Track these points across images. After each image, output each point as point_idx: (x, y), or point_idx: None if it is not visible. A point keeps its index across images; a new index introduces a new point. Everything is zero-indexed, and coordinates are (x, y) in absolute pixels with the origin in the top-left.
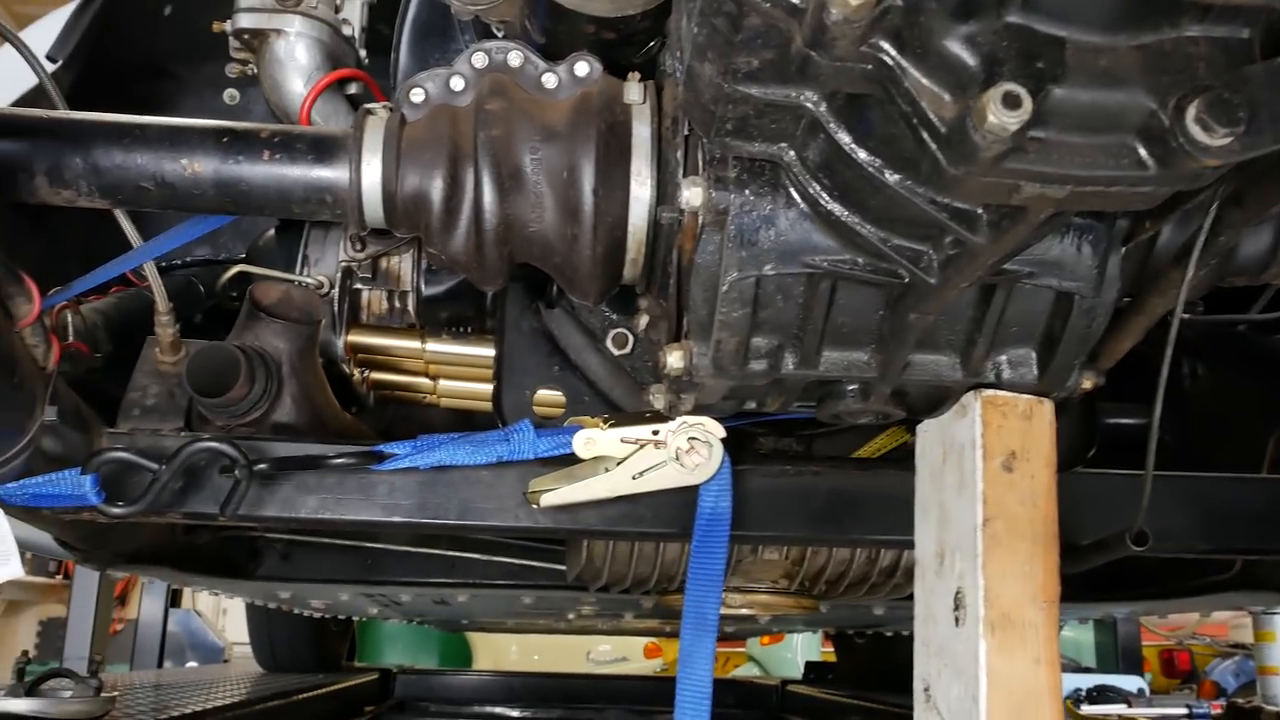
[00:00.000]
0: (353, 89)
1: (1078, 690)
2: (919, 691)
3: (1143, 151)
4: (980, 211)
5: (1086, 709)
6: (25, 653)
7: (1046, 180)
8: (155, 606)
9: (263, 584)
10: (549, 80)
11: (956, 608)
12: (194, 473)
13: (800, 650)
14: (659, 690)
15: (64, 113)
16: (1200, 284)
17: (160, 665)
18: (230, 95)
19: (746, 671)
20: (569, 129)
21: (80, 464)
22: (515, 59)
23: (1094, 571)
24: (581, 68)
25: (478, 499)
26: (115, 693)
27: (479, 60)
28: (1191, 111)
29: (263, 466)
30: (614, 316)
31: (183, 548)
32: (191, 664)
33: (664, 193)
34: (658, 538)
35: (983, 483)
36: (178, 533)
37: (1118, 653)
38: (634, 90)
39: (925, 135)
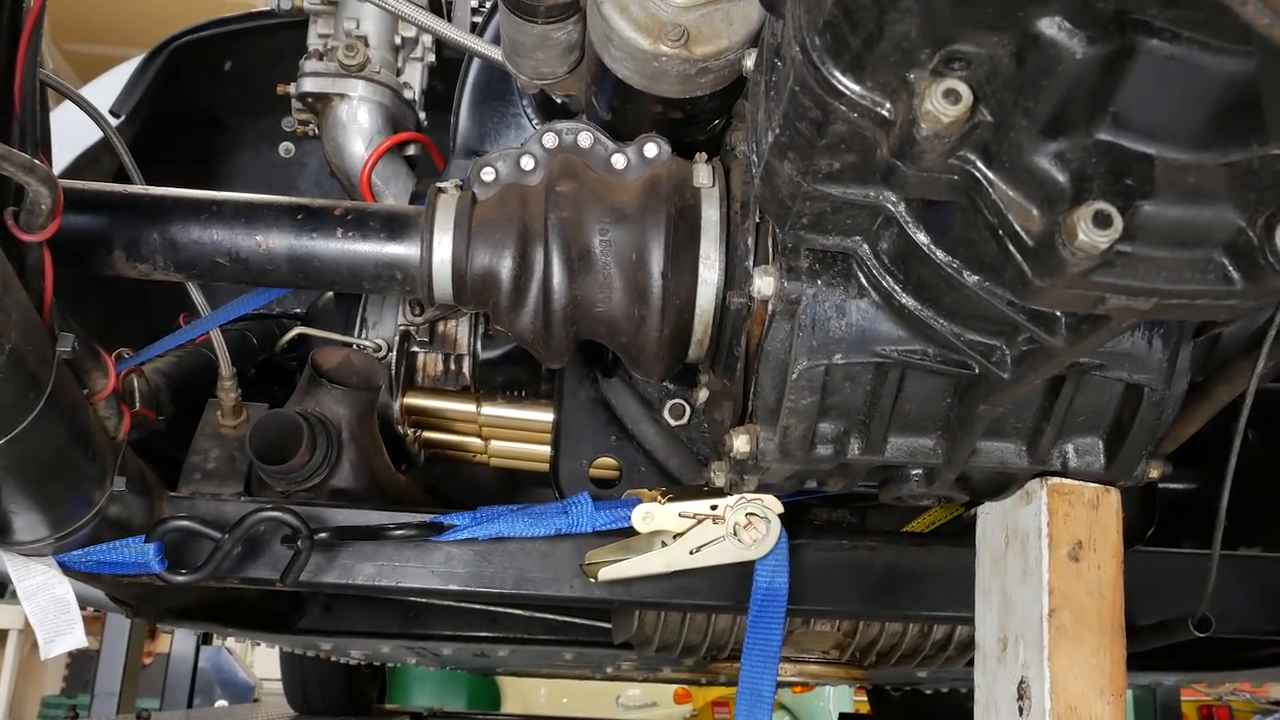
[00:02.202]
0: (411, 150)
1: None
2: None
3: (1230, 267)
4: (1059, 315)
5: None
6: (74, 709)
7: (1132, 293)
8: (187, 644)
9: (305, 637)
10: (618, 161)
11: (1020, 697)
12: (255, 540)
13: (833, 700)
14: None
15: (143, 188)
16: (1268, 372)
17: (190, 704)
18: (285, 149)
19: None
20: (638, 211)
21: (143, 530)
22: (585, 140)
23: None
24: (651, 149)
25: (533, 569)
26: None
27: (550, 141)
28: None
29: (323, 535)
30: (671, 387)
31: (230, 602)
32: (221, 702)
33: (732, 276)
34: (712, 609)
35: (1049, 572)
36: (226, 590)
37: (1156, 709)
38: (703, 173)
39: (1011, 246)
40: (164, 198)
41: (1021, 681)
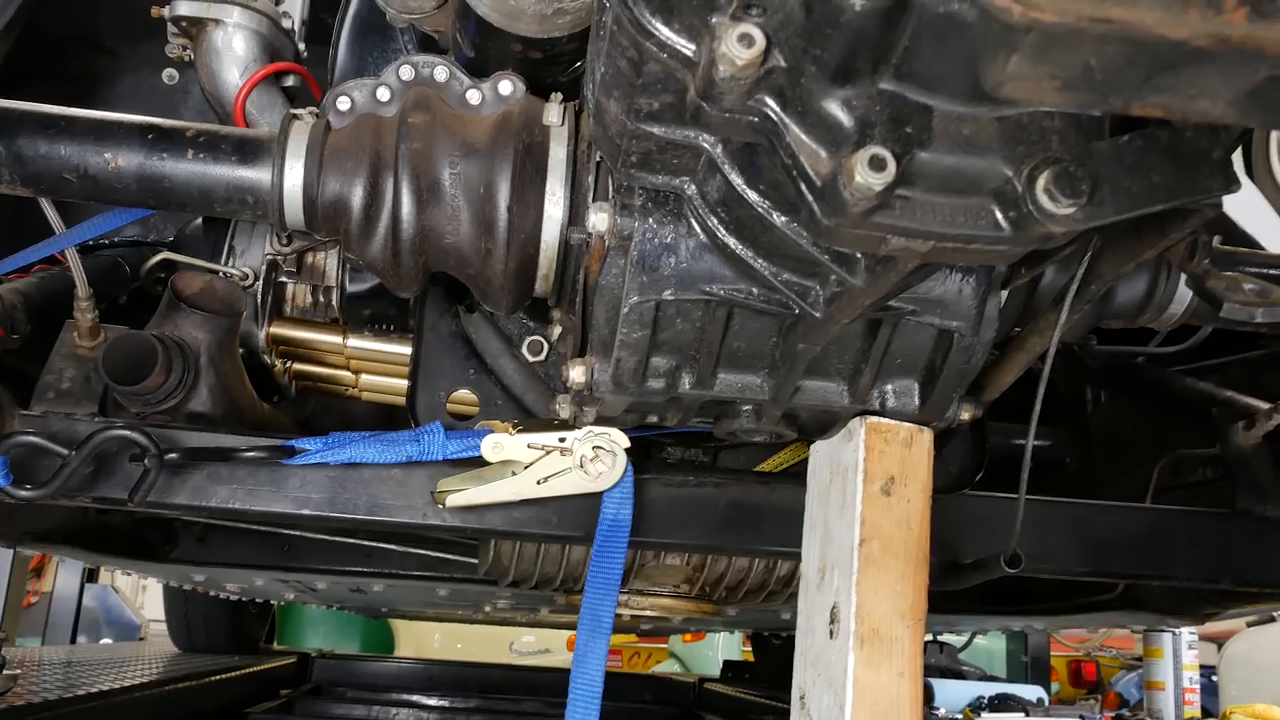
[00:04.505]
0: (290, 81)
1: (980, 699)
2: (796, 699)
3: (998, 214)
4: (859, 256)
5: (986, 717)
6: None
7: (910, 235)
8: (71, 581)
9: (177, 567)
10: (473, 97)
11: (832, 621)
12: (105, 459)
13: (721, 649)
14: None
15: None
16: (1079, 325)
17: (74, 641)
18: (169, 75)
19: (668, 668)
20: (488, 146)
21: None
22: (441, 74)
23: (992, 588)
24: (505, 86)
25: (387, 496)
26: (19, 670)
27: (406, 73)
28: (1041, 181)
29: (173, 456)
30: (531, 324)
31: (96, 528)
32: (106, 641)
33: (577, 213)
34: (562, 540)
35: (862, 505)
36: (90, 513)
37: (1027, 663)
38: (553, 112)
39: (803, 187)
40: (11, 110)
41: (834, 606)
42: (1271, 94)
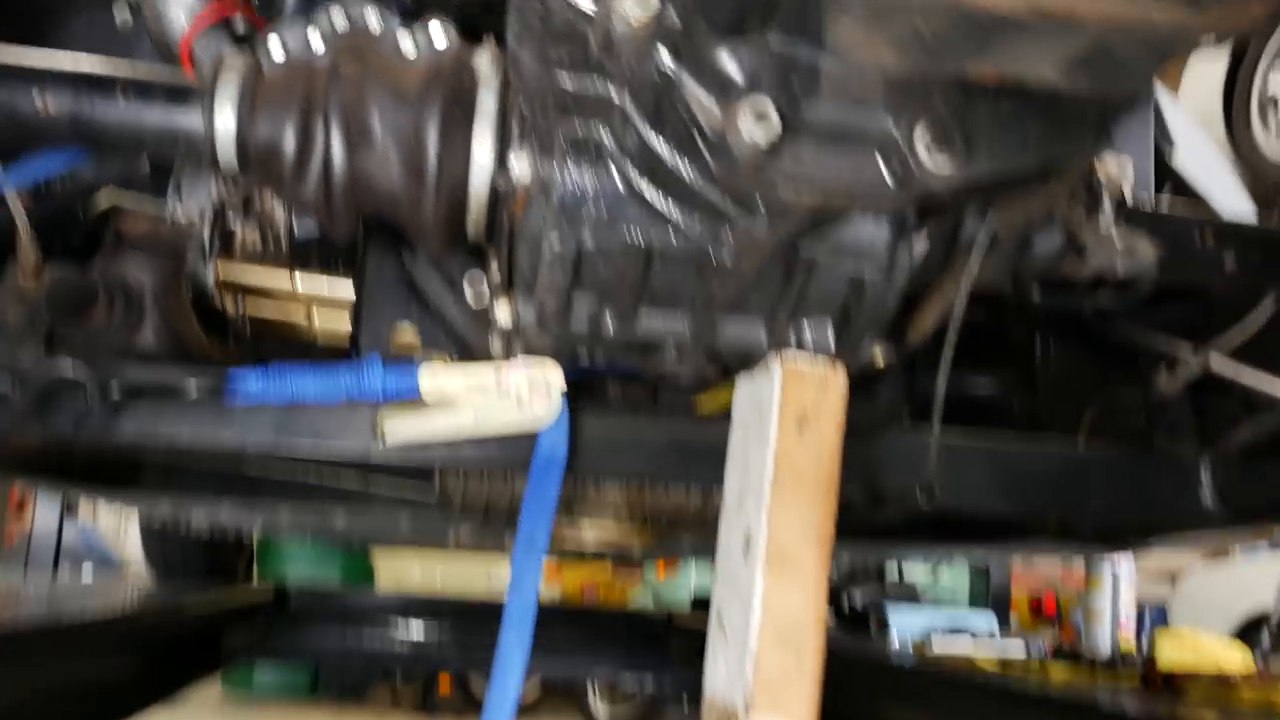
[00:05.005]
0: (241, 29)
1: (933, 627)
2: (714, 617)
3: (883, 168)
4: (760, 204)
5: (936, 642)
6: None
7: (799, 185)
8: (49, 517)
9: (142, 497)
10: (405, 44)
11: (746, 545)
12: (50, 395)
13: (693, 585)
14: (548, 615)
15: None
16: (998, 274)
17: (55, 575)
18: (123, 21)
19: (642, 600)
20: (418, 93)
21: None
22: (374, 22)
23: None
24: (437, 34)
25: (331, 430)
26: None
27: (339, 20)
28: (920, 137)
29: (114, 392)
30: (473, 266)
31: (57, 459)
32: (87, 574)
33: (504, 160)
34: (504, 471)
35: (776, 438)
36: (52, 445)
37: (988, 596)
38: (484, 61)
39: (698, 138)
40: None
41: (748, 531)
42: (1098, 61)
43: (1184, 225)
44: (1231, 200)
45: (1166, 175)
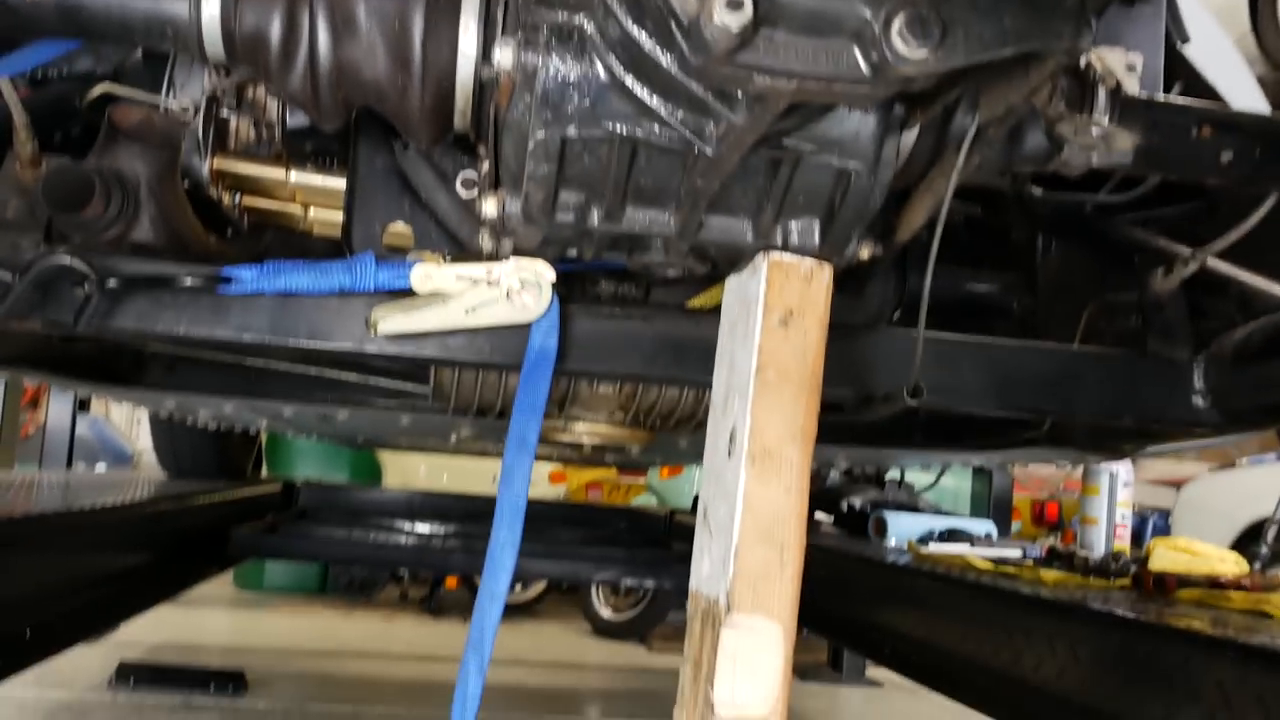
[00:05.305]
0: None
1: (930, 531)
2: (700, 512)
3: (859, 56)
4: (739, 95)
5: (933, 546)
6: None
7: (774, 74)
8: (63, 411)
9: (147, 393)
10: None
11: (731, 441)
12: (50, 285)
13: (697, 483)
14: (553, 514)
15: None
16: (987, 168)
17: (69, 467)
18: None
19: (646, 501)
20: None
21: None
22: None
23: (927, 425)
24: None
25: (325, 323)
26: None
27: None
28: (896, 24)
29: (113, 282)
30: (465, 159)
31: (61, 353)
32: (101, 467)
33: (490, 49)
34: (495, 368)
35: (760, 335)
36: (54, 339)
37: (990, 502)
38: None
39: (674, 27)
40: None
41: (733, 428)
42: None
43: (1180, 115)
44: (1248, 99)
45: (1179, 73)
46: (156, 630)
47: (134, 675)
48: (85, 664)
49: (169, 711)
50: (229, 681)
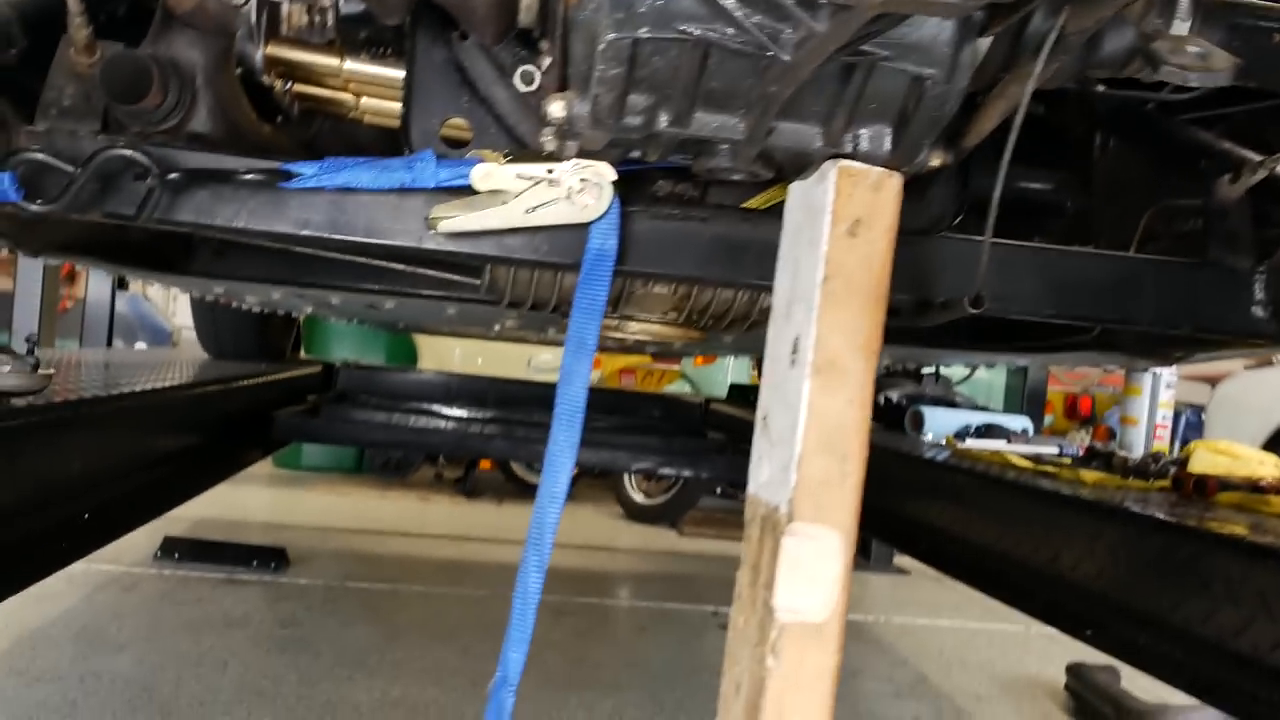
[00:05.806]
0: None
1: (967, 426)
2: (759, 420)
3: None
4: (823, 1)
5: (970, 442)
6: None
7: None
8: (102, 288)
9: (196, 279)
10: None
11: (794, 351)
12: (110, 176)
13: (730, 373)
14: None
15: None
16: (1063, 74)
17: (109, 345)
18: None
19: (679, 389)
20: None
21: None
22: None
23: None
24: None
25: (384, 220)
26: (52, 370)
27: None
28: None
29: (175, 176)
30: (524, 53)
31: (114, 240)
32: (140, 345)
33: None
34: (553, 267)
35: (828, 244)
36: (107, 226)
37: (1024, 396)
38: None
39: None
40: None
41: (796, 337)
42: None
43: (1266, 17)
44: None
45: None
46: (199, 506)
47: (178, 550)
48: (131, 539)
49: (213, 585)
50: (271, 558)
